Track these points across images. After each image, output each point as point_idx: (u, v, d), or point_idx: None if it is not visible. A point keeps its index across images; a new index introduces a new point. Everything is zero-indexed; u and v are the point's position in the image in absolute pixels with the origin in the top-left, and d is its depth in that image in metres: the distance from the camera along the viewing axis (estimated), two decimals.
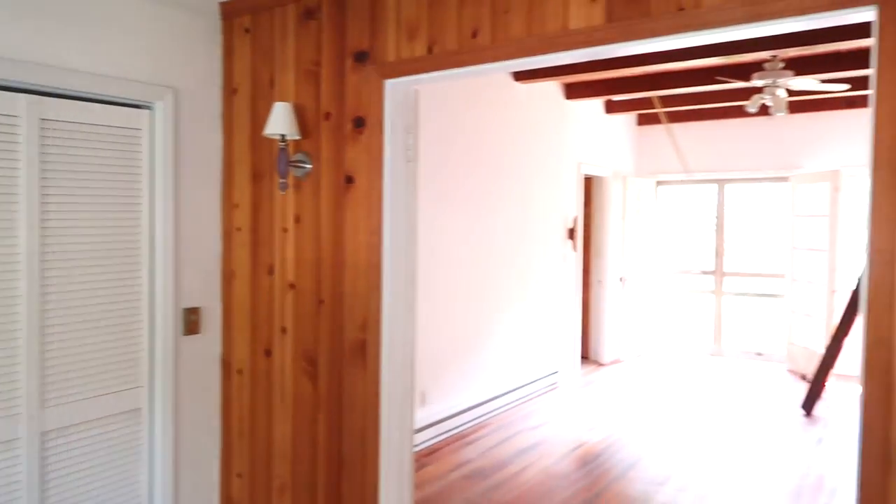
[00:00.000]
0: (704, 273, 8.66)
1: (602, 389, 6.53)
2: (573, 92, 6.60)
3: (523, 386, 5.95)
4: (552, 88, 6.42)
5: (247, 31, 2.96)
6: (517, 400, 5.84)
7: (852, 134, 7.10)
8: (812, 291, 7.04)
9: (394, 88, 2.55)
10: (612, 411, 5.74)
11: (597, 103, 7.36)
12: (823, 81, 5.29)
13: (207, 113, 3.00)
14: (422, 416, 4.65)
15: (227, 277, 3.05)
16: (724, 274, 8.41)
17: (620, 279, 7.81)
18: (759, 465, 4.52)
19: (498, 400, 5.55)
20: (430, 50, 2.42)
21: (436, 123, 4.76)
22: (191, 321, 2.91)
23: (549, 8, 2.17)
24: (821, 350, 6.18)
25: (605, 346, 7.69)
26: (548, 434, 5.07)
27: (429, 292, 4.70)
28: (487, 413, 5.40)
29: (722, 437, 5.08)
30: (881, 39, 1.68)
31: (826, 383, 5.81)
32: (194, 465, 2.99)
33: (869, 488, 1.68)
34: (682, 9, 1.94)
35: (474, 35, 2.32)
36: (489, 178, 5.44)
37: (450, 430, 4.94)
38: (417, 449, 4.58)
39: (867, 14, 1.73)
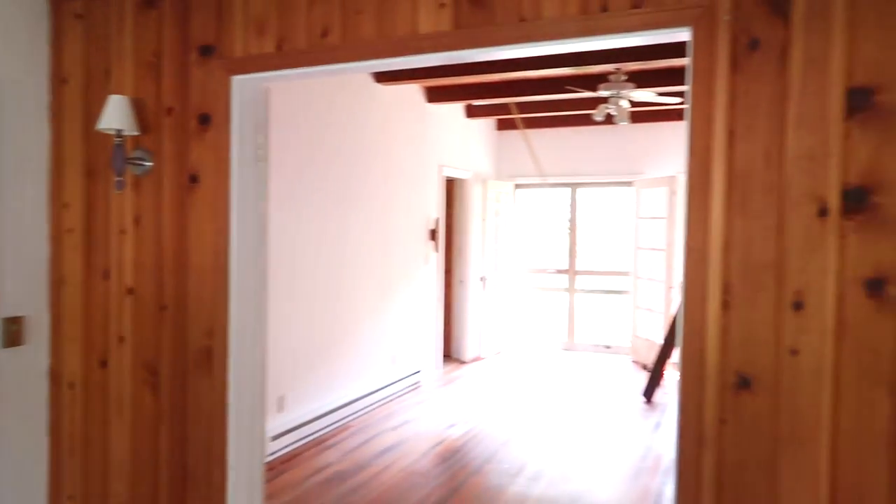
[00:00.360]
0: (559, 272, 9.12)
1: (463, 387, 6.68)
2: (434, 96, 6.71)
3: (385, 387, 5.95)
4: (414, 91, 6.48)
5: (79, 16, 2.74)
6: (379, 401, 5.84)
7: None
8: (653, 288, 7.63)
9: (242, 85, 2.47)
10: (471, 407, 5.89)
11: (458, 107, 7.53)
12: (660, 94, 5.74)
13: (32, 104, 2.73)
14: (280, 422, 4.52)
15: (57, 283, 2.80)
16: (576, 272, 8.90)
17: (481, 279, 8.04)
18: (603, 449, 4.83)
19: (359, 402, 5.52)
20: (279, 47, 2.36)
21: (297, 122, 4.65)
22: (12, 331, 2.64)
23: (399, 11, 2.19)
24: (660, 341, 6.72)
25: (467, 344, 7.88)
26: (409, 433, 5.12)
27: (287, 294, 4.58)
28: (349, 416, 5.35)
29: (572, 426, 5.38)
30: (694, 58, 1.85)
31: (664, 372, 6.32)
32: (16, 491, 2.71)
33: (686, 463, 1.84)
34: (523, 20, 2.04)
35: (324, 34, 2.30)
36: (350, 179, 5.40)
37: (310, 435, 4.84)
38: (275, 456, 4.45)
39: (683, 34, 1.90)
